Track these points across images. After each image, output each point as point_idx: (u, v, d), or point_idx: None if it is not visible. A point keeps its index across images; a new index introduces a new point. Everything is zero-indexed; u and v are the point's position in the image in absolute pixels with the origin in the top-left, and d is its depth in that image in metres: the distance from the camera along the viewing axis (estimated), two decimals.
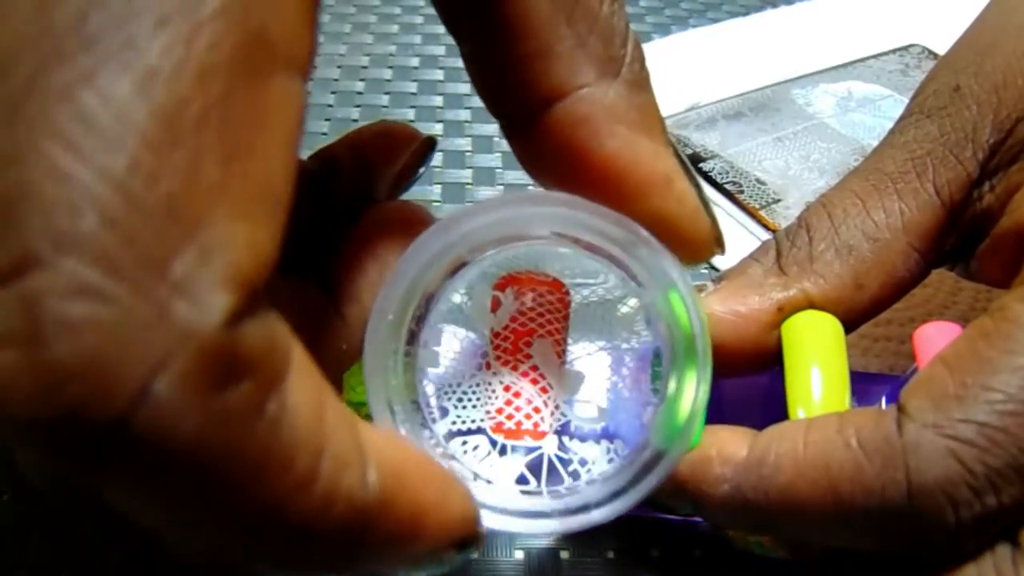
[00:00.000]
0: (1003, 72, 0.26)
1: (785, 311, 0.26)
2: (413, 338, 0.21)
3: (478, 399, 0.23)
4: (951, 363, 0.22)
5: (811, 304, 0.26)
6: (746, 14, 0.56)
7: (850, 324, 0.26)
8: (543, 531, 0.21)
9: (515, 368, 0.23)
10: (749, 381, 0.28)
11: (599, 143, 0.19)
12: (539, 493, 0.21)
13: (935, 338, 0.25)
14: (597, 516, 0.20)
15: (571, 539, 0.29)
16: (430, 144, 0.26)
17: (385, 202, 0.25)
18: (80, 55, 0.13)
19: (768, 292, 0.26)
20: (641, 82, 0.20)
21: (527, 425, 0.22)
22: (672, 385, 0.21)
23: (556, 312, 0.24)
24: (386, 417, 0.20)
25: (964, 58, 0.27)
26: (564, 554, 0.28)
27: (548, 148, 0.20)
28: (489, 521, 0.19)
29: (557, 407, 0.23)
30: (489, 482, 0.22)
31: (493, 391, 0.23)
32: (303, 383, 0.15)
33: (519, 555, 0.28)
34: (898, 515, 0.21)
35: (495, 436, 0.22)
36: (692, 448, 0.23)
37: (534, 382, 0.23)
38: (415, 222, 0.23)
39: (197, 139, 0.13)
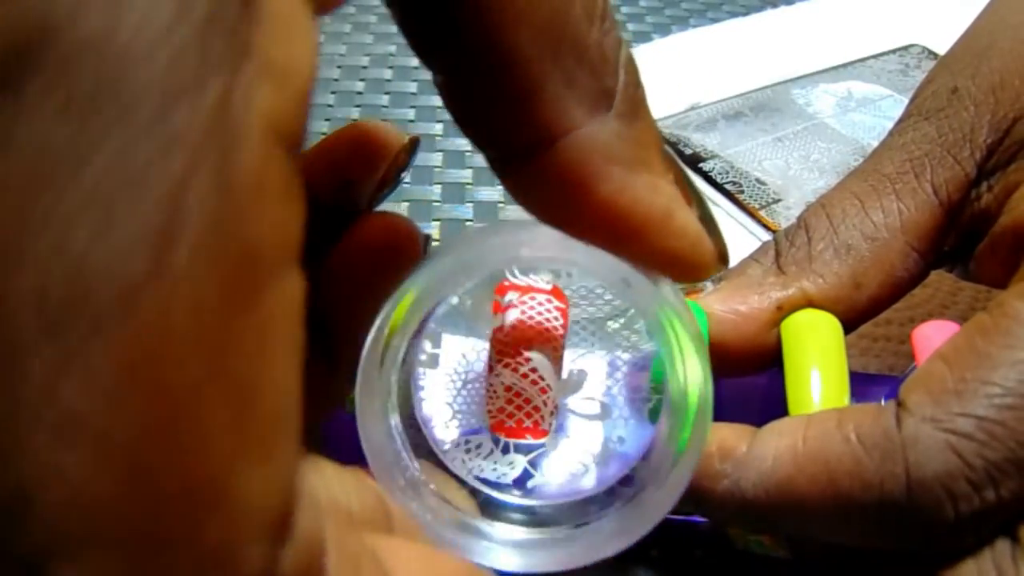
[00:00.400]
0: (1000, 73, 0.26)
1: (784, 310, 0.26)
2: (414, 338, 0.21)
3: (480, 400, 0.23)
4: (950, 359, 0.22)
5: (810, 303, 0.26)
6: (746, 14, 0.56)
7: (849, 323, 0.26)
8: (549, 569, 0.21)
9: (515, 370, 0.23)
10: (748, 381, 0.28)
11: (593, 188, 0.18)
12: (542, 524, 0.21)
13: (933, 337, 0.25)
14: (604, 552, 0.20)
15: None
16: (413, 145, 0.24)
17: (367, 212, 0.23)
18: (47, 346, 0.11)
19: (767, 291, 0.26)
20: (635, 108, 0.18)
21: (527, 424, 0.23)
22: (669, 424, 0.21)
23: (556, 318, 0.24)
24: (380, 457, 0.19)
25: (961, 60, 0.27)
26: None
27: (538, 191, 0.18)
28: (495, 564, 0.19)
29: (556, 407, 0.23)
30: (491, 519, 0.21)
31: (495, 392, 0.23)
32: (340, 566, 0.14)
33: None
34: (897, 510, 0.21)
35: (496, 435, 0.23)
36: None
37: (534, 383, 0.23)
38: (402, 242, 0.22)
39: (200, 408, 0.12)
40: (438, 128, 0.47)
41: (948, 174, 0.26)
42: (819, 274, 0.26)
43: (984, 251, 0.26)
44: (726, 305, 0.26)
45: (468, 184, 0.43)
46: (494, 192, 0.43)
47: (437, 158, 0.45)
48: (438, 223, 0.41)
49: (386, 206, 0.42)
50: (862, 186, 0.27)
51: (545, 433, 0.23)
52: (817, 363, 0.25)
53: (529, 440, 0.23)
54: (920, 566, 0.23)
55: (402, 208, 0.41)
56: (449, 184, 0.43)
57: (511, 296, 0.24)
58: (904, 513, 0.21)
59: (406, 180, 0.43)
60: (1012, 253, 0.24)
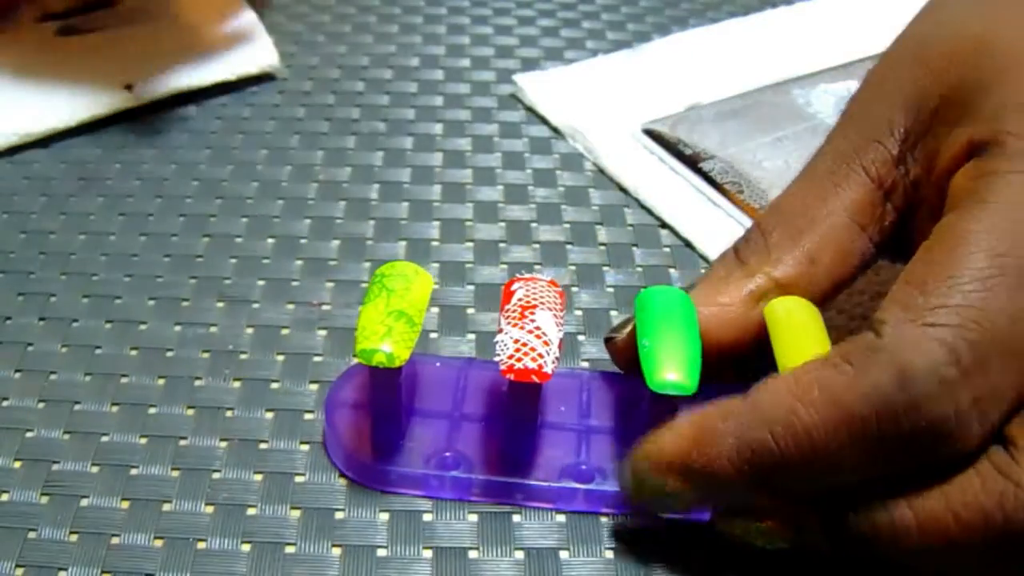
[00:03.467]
0: (910, 70, 0.30)
1: (755, 295, 0.29)
2: None
3: (494, 353, 0.27)
4: (909, 277, 0.25)
5: (776, 284, 0.29)
6: (745, 14, 0.56)
7: (815, 299, 0.29)
8: None
9: (522, 328, 0.28)
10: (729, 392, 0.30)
11: None
12: None
13: None
14: None
15: (571, 539, 0.29)
16: None
17: None
18: None
19: (735, 282, 0.29)
20: None
21: (532, 367, 0.27)
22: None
23: (554, 296, 0.30)
24: None
25: (879, 71, 0.31)
26: (564, 554, 0.28)
27: None
28: None
29: (558, 357, 0.27)
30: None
31: (504, 344, 0.27)
32: None
33: (519, 555, 0.28)
34: (896, 414, 0.23)
35: (508, 376, 0.27)
36: (692, 393, 0.27)
37: (538, 336, 0.27)
38: None
39: None
40: (438, 128, 0.47)
41: (874, 155, 0.29)
42: (776, 258, 0.29)
43: (923, 219, 0.28)
44: (702, 297, 0.29)
45: (468, 184, 0.43)
46: (493, 192, 0.43)
47: (437, 158, 0.45)
48: (438, 223, 0.41)
49: (384, 206, 0.42)
50: (802, 185, 0.30)
51: (548, 376, 0.27)
52: (801, 341, 0.27)
53: (534, 380, 0.27)
54: (924, 491, 0.24)
55: (402, 208, 0.41)
56: (449, 184, 0.43)
57: (517, 284, 0.29)
58: (904, 416, 0.23)
59: (406, 180, 0.43)
60: (942, 207, 0.27)
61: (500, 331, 0.28)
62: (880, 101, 0.30)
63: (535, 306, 0.28)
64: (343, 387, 0.32)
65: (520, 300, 0.29)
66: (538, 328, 0.27)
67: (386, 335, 0.27)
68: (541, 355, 0.27)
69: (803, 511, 0.25)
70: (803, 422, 0.23)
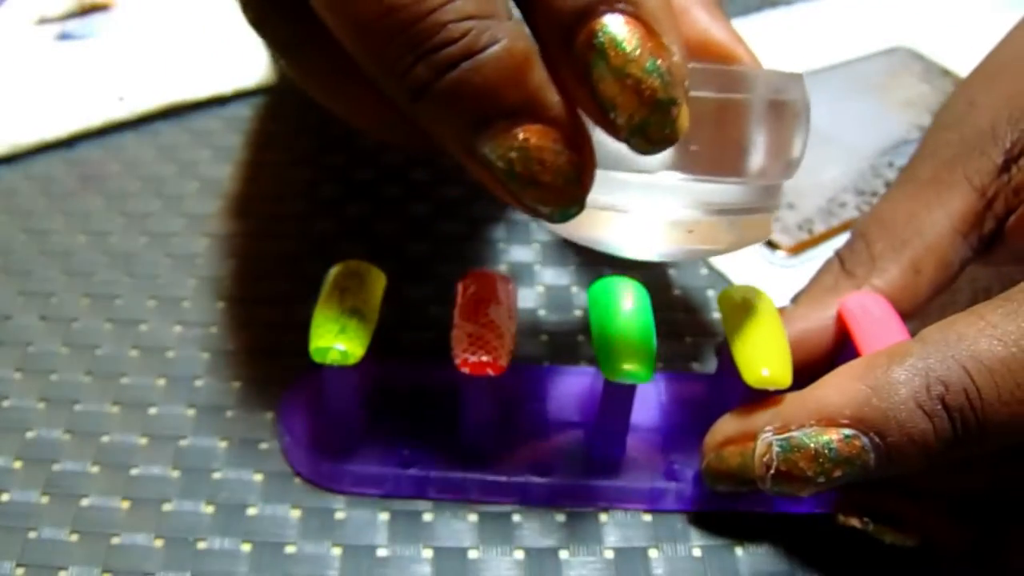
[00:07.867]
0: (1012, 85, 0.29)
1: None
2: None
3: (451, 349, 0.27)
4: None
5: (880, 293, 0.29)
6: (745, 14, 0.56)
7: (913, 308, 0.29)
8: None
9: (476, 322, 0.28)
10: (690, 387, 0.33)
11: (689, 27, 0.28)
12: None
13: (856, 310, 0.29)
14: None
15: (571, 539, 0.29)
16: None
17: None
18: None
19: (843, 293, 0.30)
20: None
21: (487, 359, 0.27)
22: None
23: (507, 292, 0.30)
24: None
25: (976, 82, 0.31)
26: (564, 554, 0.28)
27: None
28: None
29: (511, 350, 0.27)
30: None
31: (461, 340, 0.27)
32: None
33: (519, 555, 0.28)
34: None
35: (463, 370, 0.27)
36: (647, 381, 0.27)
37: (492, 330, 0.28)
38: None
39: None
40: None
41: (977, 164, 0.29)
42: (883, 269, 0.29)
43: (1016, 223, 0.29)
44: (810, 314, 0.30)
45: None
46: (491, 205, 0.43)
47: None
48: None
49: (390, 207, 0.42)
50: (904, 192, 0.30)
51: (503, 368, 0.27)
52: (759, 334, 0.28)
53: (490, 373, 0.27)
54: None
55: (425, 207, 0.41)
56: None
57: (470, 279, 0.29)
58: None
59: (423, 177, 0.43)
60: None
61: (454, 326, 0.28)
62: (982, 109, 0.30)
63: (488, 300, 0.28)
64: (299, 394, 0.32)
65: (473, 295, 0.29)
66: (491, 321, 0.28)
67: (340, 333, 0.27)
68: (496, 347, 0.27)
69: (931, 510, 0.25)
70: (1000, 354, 0.22)
